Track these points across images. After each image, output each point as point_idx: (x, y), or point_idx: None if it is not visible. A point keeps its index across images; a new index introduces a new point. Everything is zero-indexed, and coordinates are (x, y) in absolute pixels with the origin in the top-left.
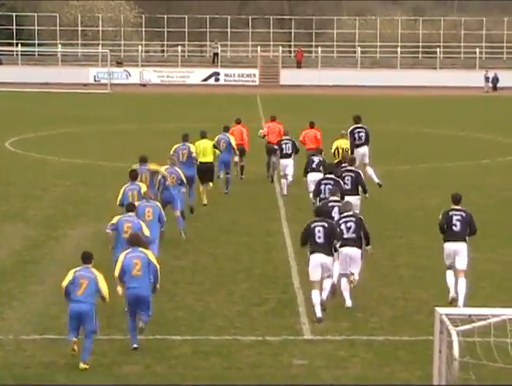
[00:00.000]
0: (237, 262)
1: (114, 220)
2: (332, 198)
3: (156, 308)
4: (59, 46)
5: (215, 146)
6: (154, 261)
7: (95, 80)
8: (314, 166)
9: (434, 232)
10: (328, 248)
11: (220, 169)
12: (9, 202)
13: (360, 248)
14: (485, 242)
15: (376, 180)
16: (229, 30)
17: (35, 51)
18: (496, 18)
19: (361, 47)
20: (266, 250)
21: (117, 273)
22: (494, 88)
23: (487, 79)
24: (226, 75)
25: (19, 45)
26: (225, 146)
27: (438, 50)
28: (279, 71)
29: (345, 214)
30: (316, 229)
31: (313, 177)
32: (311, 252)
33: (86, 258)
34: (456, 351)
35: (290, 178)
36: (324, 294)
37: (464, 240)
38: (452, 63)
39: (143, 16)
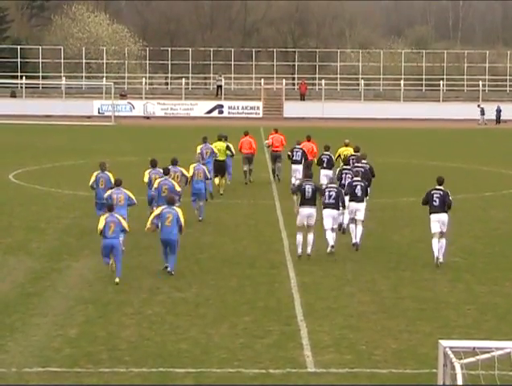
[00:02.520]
0: (240, 294)
1: (156, 185)
2: (355, 178)
3: (159, 340)
4: (64, 78)
5: (227, 148)
6: (181, 219)
7: (99, 113)
8: (325, 165)
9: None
10: (313, 204)
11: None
12: (12, 234)
13: (338, 209)
14: (489, 275)
15: None
16: (232, 62)
17: (39, 84)
18: (499, 51)
19: (365, 79)
20: (270, 282)
21: (153, 216)
22: (498, 120)
23: (482, 111)
24: (230, 107)
25: (24, 78)
26: (208, 154)
27: (441, 82)
28: (283, 104)
29: (330, 185)
30: (306, 189)
31: (324, 173)
32: (301, 205)
33: (111, 208)
34: (459, 384)
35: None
36: (309, 249)
37: (445, 211)
38: (456, 95)
39: (147, 49)
